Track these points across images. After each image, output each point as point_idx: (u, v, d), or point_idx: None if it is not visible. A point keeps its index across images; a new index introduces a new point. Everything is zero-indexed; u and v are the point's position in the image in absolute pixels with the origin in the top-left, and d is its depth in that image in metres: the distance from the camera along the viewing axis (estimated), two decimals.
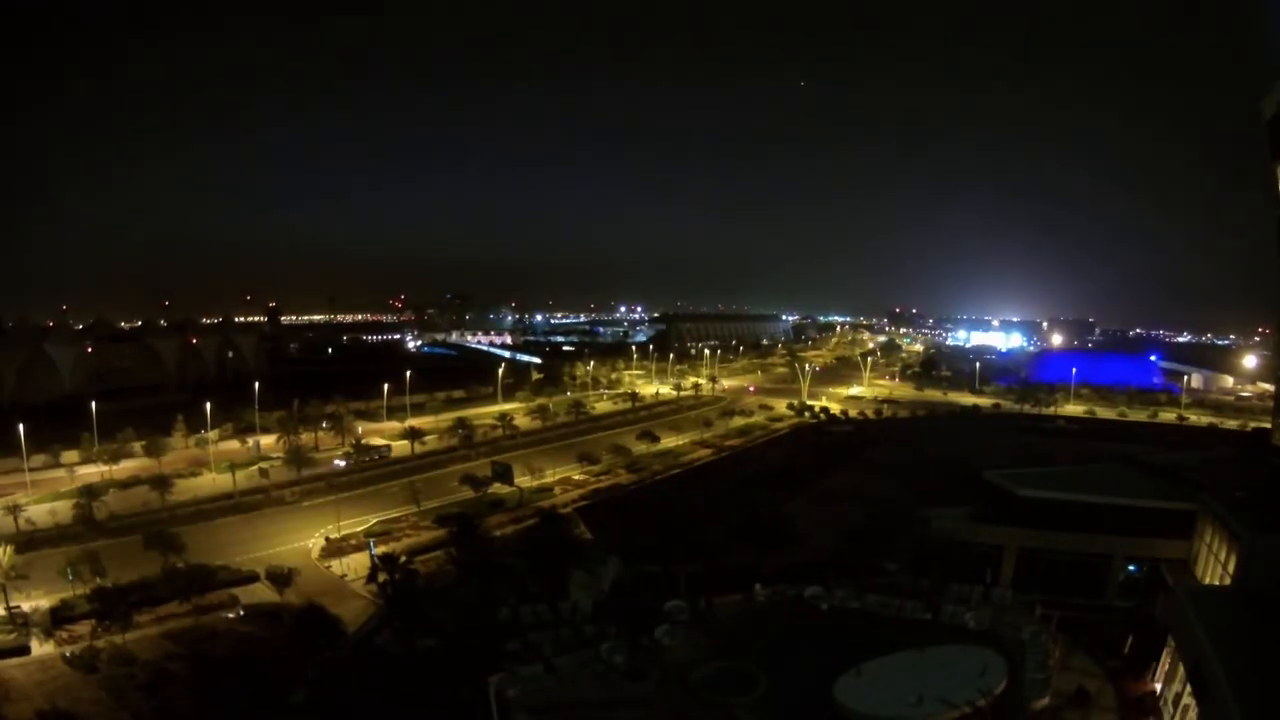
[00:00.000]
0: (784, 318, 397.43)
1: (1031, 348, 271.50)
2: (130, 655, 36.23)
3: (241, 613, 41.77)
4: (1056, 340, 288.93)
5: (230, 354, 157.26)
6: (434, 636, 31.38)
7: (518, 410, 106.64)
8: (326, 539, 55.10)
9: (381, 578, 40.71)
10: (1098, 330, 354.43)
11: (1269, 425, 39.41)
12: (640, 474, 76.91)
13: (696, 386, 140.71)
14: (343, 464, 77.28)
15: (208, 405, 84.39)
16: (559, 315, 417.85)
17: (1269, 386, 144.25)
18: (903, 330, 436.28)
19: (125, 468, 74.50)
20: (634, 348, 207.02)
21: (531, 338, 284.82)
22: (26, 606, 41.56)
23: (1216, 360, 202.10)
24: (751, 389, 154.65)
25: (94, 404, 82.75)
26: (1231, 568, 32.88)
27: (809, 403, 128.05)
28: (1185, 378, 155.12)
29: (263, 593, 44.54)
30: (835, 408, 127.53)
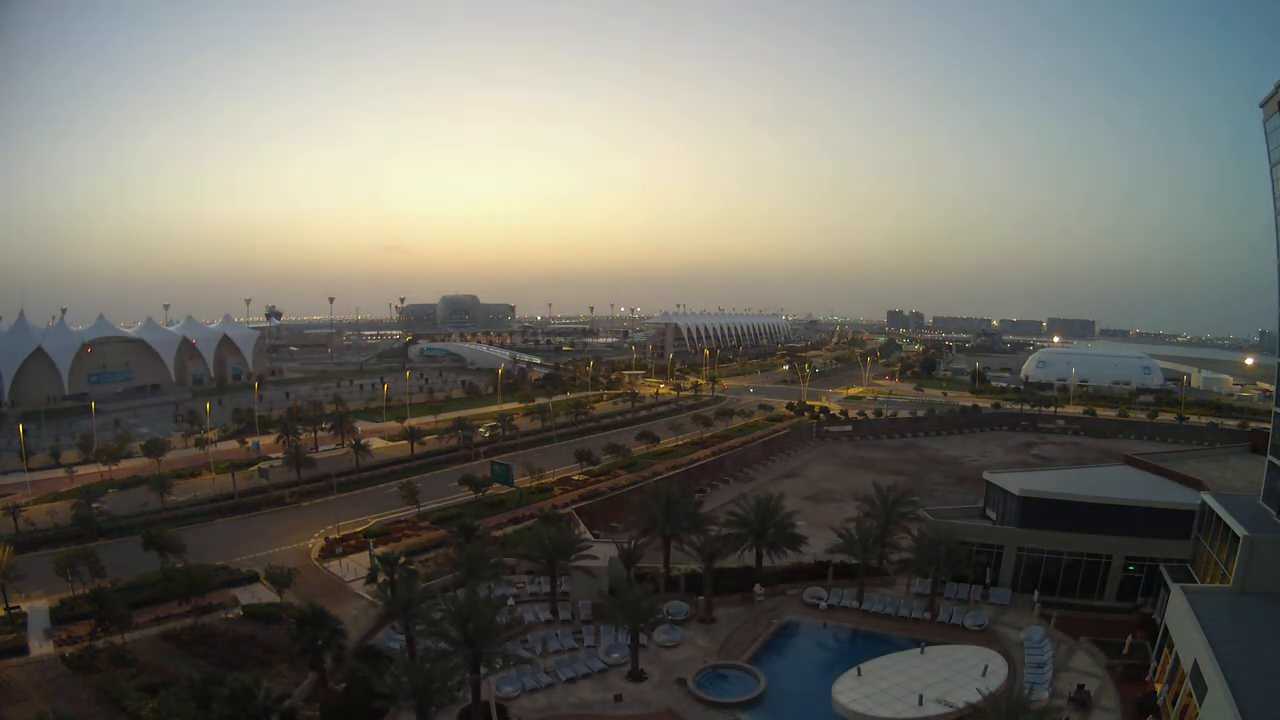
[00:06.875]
0: (784, 318, 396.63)
1: (1031, 347, 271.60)
2: (130, 656, 36.14)
3: (241, 613, 41.69)
4: (1056, 340, 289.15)
5: (230, 354, 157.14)
6: (434, 637, 31.33)
7: (517, 411, 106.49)
8: (326, 539, 55.06)
9: (381, 578, 40.66)
10: (1098, 330, 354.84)
11: (1269, 425, 39.30)
12: (640, 474, 76.82)
13: (696, 387, 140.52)
14: None
15: (207, 405, 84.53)
16: (559, 317, 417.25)
17: (1269, 386, 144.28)
18: (902, 330, 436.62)
19: (124, 468, 74.31)
20: (633, 348, 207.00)
21: (531, 339, 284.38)
22: (25, 607, 41.53)
23: (1216, 360, 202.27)
24: (751, 389, 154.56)
25: (94, 404, 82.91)
26: (1232, 568, 32.84)
27: (809, 403, 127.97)
28: (1185, 377, 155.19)
29: (263, 593, 44.53)
30: (835, 408, 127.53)
